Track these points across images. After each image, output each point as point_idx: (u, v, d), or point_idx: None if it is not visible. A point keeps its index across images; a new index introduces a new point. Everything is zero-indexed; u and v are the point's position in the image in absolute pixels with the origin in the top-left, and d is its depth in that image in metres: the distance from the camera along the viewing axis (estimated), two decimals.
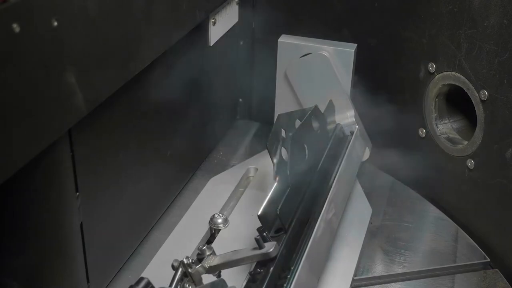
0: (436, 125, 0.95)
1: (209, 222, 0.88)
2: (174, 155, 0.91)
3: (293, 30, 1.00)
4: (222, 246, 0.80)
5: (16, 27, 0.48)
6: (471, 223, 0.92)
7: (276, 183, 0.75)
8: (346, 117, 0.96)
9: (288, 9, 1.06)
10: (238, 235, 0.86)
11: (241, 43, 1.11)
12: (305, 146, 0.81)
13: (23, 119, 0.51)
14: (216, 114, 1.09)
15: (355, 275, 0.83)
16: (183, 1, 0.79)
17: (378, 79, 1.00)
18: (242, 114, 1.18)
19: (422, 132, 0.96)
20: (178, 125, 0.92)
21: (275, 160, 0.76)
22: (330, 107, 0.93)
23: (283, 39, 0.99)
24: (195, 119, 0.99)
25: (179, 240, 0.86)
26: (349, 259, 0.84)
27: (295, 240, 0.72)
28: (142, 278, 0.59)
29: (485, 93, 0.85)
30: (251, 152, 1.07)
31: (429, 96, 0.94)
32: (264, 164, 1.00)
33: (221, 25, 0.99)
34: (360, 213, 0.93)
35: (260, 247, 0.67)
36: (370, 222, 0.92)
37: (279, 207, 0.70)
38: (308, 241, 0.72)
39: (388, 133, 1.02)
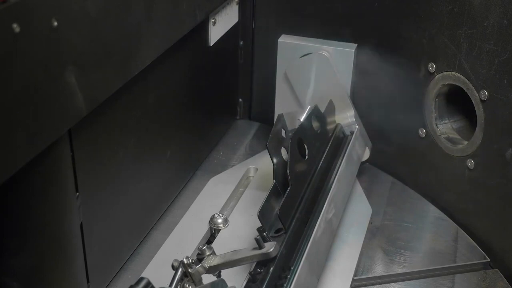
0: (436, 125, 0.95)
1: (209, 222, 0.89)
2: (174, 155, 0.91)
3: (293, 30, 1.00)
4: (222, 246, 0.80)
5: (16, 27, 0.48)
6: (471, 223, 0.92)
7: (275, 183, 0.75)
8: (346, 117, 0.96)
9: (288, 9, 1.06)
10: (238, 235, 0.86)
11: (241, 43, 1.11)
12: (305, 146, 0.81)
13: (23, 119, 0.51)
14: (216, 114, 1.09)
15: (355, 275, 0.83)
16: (183, 1, 0.79)
17: (378, 79, 1.00)
18: (242, 114, 1.18)
19: (422, 132, 0.96)
20: (178, 125, 0.92)
21: (275, 160, 0.76)
22: (330, 107, 0.93)
23: (283, 39, 0.99)
24: (195, 119, 0.99)
25: (179, 240, 0.86)
26: (349, 259, 0.84)
27: (295, 240, 0.72)
28: (142, 278, 0.59)
29: (485, 93, 0.84)
30: (251, 152, 1.08)
31: (429, 96, 0.94)
32: (264, 164, 1.00)
33: (221, 25, 0.99)
34: (360, 213, 0.93)
35: (260, 247, 0.67)
36: (370, 222, 0.92)
37: (279, 207, 0.70)
38: (308, 241, 0.72)
39: (388, 133, 1.02)
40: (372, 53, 0.99)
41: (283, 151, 0.78)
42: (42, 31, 0.52)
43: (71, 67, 0.56)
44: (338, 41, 0.98)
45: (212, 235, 0.89)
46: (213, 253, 0.68)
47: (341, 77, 0.96)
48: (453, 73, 0.89)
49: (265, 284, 0.65)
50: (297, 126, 0.82)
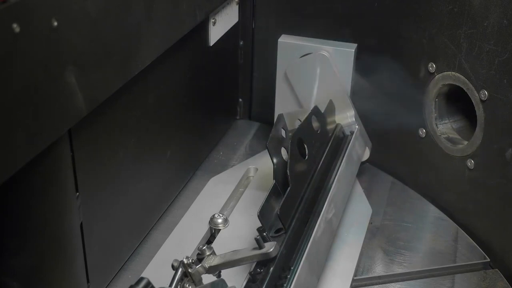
0: (436, 125, 0.95)
1: (209, 222, 0.88)
2: (174, 155, 0.91)
3: (293, 30, 1.00)
4: (222, 246, 0.80)
5: (16, 27, 0.48)
6: (471, 223, 0.92)
7: (275, 183, 0.75)
8: (346, 117, 0.96)
9: (288, 9, 1.06)
10: (238, 235, 0.86)
11: (241, 43, 1.11)
12: (305, 146, 0.81)
13: (23, 119, 0.51)
14: (216, 114, 1.09)
15: (355, 275, 0.83)
16: (183, 1, 0.79)
17: (378, 79, 1.00)
18: (242, 114, 1.18)
19: (422, 132, 0.96)
20: (178, 125, 0.92)
21: (275, 160, 0.76)
22: (330, 107, 0.93)
23: (283, 39, 0.99)
24: (195, 119, 0.99)
25: (179, 240, 0.86)
26: (349, 259, 0.84)
27: (295, 240, 0.72)
28: (142, 278, 0.59)
29: (485, 93, 0.84)
30: (251, 152, 1.08)
31: (429, 96, 0.94)
32: (264, 164, 1.00)
33: (221, 25, 0.99)
34: (360, 213, 0.93)
35: (260, 247, 0.67)
36: (370, 222, 0.92)
37: (279, 207, 0.70)
38: (308, 241, 0.72)
39: (388, 133, 1.02)
40: (372, 53, 0.99)
41: (283, 151, 0.78)
42: (42, 31, 0.52)
43: (71, 67, 0.56)
44: (338, 41, 0.98)
45: (212, 235, 0.89)
46: (213, 253, 0.68)
47: (341, 77, 0.96)
48: (453, 73, 0.89)
49: (265, 284, 0.65)
50: (297, 126, 0.82)
